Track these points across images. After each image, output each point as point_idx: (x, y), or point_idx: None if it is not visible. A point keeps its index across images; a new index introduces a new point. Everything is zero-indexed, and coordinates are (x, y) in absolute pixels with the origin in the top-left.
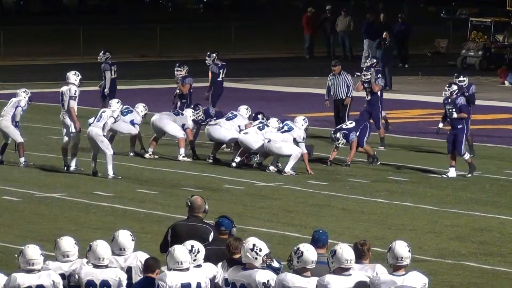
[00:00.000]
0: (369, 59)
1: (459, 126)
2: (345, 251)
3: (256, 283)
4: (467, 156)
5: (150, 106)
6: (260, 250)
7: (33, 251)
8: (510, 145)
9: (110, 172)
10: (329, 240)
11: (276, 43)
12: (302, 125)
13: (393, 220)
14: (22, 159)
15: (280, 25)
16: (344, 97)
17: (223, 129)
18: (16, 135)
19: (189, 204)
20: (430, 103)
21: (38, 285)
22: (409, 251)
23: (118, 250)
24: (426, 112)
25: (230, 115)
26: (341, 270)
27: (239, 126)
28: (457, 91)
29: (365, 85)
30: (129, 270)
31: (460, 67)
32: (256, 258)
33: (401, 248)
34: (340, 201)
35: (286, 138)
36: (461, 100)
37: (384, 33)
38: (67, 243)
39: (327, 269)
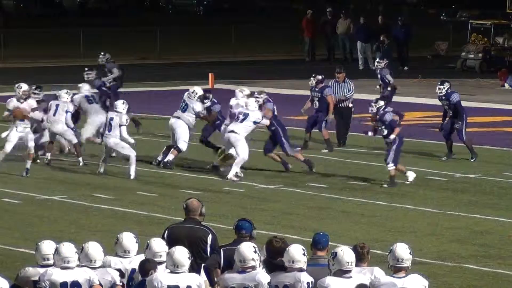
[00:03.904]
0: (382, 61)
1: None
2: (346, 253)
3: (301, 283)
4: (391, 167)
5: (151, 108)
6: (304, 254)
7: (68, 249)
8: (510, 147)
9: (132, 173)
10: (329, 243)
11: (276, 46)
12: (256, 106)
13: (393, 222)
14: (81, 159)
15: (280, 28)
16: (349, 105)
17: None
18: (72, 137)
19: (185, 206)
20: (430, 105)
21: (73, 281)
22: (410, 253)
23: (122, 252)
24: (426, 115)
25: (242, 116)
26: (342, 272)
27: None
28: (384, 106)
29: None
30: (133, 272)
31: (460, 70)
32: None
33: (402, 249)
34: (340, 204)
35: (248, 126)
36: (389, 116)
37: (382, 36)
38: (48, 247)
39: (327, 272)
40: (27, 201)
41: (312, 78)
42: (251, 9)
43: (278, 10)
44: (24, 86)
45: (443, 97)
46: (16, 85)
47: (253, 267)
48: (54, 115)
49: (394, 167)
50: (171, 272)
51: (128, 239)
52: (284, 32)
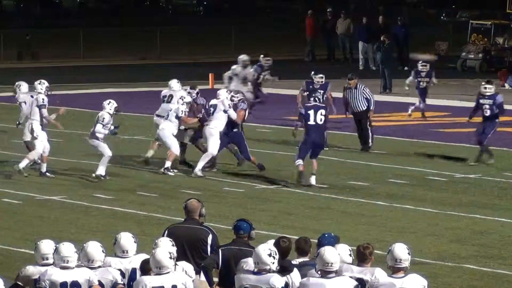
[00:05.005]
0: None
1: None
2: (328, 253)
3: None
4: (298, 162)
5: (151, 109)
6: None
7: (67, 249)
8: (510, 147)
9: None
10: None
11: (276, 46)
12: (227, 97)
13: (393, 222)
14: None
15: (280, 28)
16: (363, 110)
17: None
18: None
19: (185, 206)
20: (430, 105)
21: (73, 281)
22: (408, 253)
23: (121, 252)
24: (426, 115)
25: (212, 109)
26: (324, 273)
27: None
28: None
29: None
30: (133, 272)
31: (460, 70)
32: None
33: (400, 250)
34: (340, 204)
35: (220, 117)
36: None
37: (382, 36)
38: (47, 246)
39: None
40: (27, 201)
41: (317, 76)
42: (251, 9)
43: (278, 10)
44: (46, 82)
45: (488, 97)
46: (38, 82)
47: (268, 270)
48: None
49: (299, 164)
50: (156, 274)
51: (126, 239)
52: (284, 32)
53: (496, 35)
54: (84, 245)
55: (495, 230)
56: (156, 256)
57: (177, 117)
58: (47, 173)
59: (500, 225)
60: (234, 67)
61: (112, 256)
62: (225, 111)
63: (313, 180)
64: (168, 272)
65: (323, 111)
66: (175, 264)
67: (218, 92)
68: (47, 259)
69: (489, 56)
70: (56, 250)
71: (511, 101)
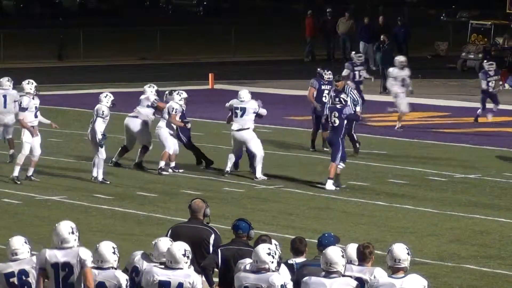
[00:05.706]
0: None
1: None
2: (330, 253)
3: None
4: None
5: None
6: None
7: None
8: (510, 147)
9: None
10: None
11: (276, 46)
12: (250, 98)
13: (393, 222)
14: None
15: (280, 28)
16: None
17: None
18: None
19: (189, 206)
20: (430, 105)
21: (64, 262)
22: (407, 253)
23: (155, 257)
24: (426, 115)
25: (240, 112)
26: (327, 273)
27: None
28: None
29: None
30: (135, 268)
31: (460, 70)
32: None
33: (399, 250)
34: (340, 204)
35: (249, 119)
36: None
37: (382, 36)
38: (17, 242)
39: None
40: (27, 201)
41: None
42: (251, 9)
43: (278, 10)
44: (34, 82)
45: None
46: (26, 82)
47: (268, 269)
48: (5, 106)
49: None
50: (166, 267)
51: (162, 244)
52: (284, 32)
53: (496, 35)
54: (98, 244)
55: (495, 230)
56: (171, 250)
57: (168, 113)
58: (32, 177)
59: (500, 225)
60: (390, 69)
61: (145, 253)
62: (254, 112)
63: (327, 185)
64: (180, 269)
65: (336, 113)
66: (191, 264)
67: (239, 93)
68: (16, 254)
69: (489, 56)
70: (7, 244)
71: (511, 101)
